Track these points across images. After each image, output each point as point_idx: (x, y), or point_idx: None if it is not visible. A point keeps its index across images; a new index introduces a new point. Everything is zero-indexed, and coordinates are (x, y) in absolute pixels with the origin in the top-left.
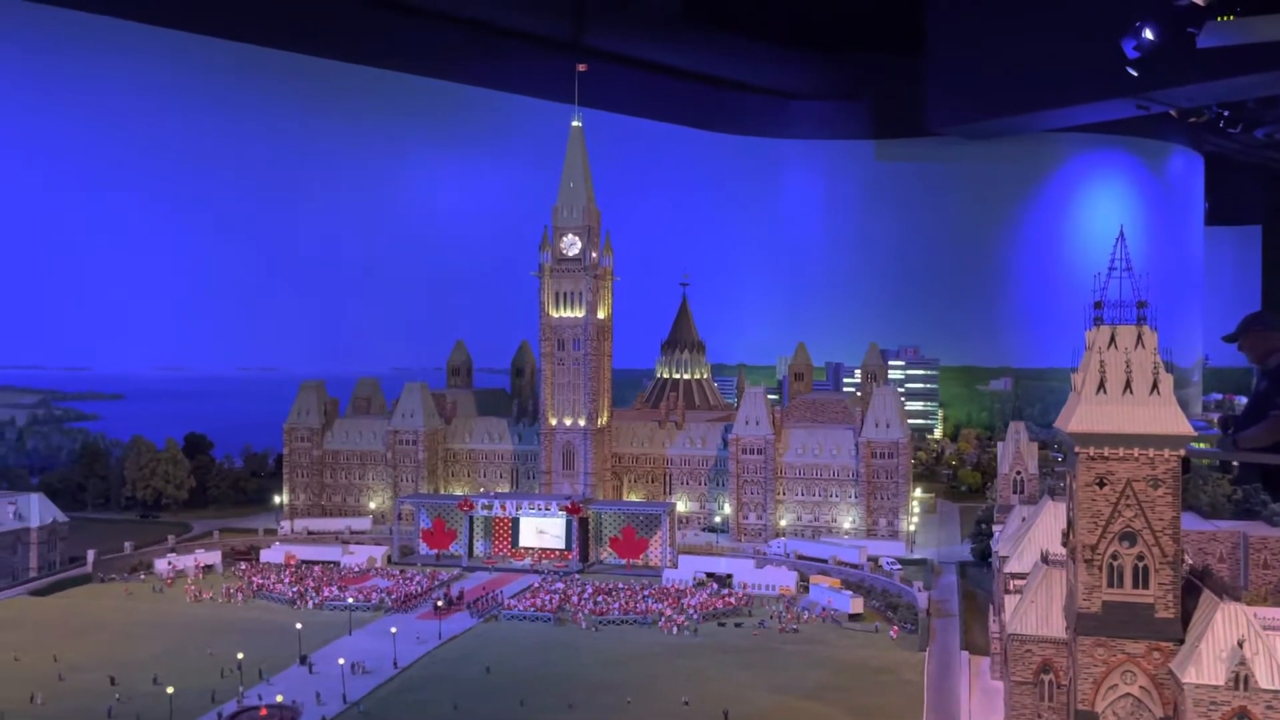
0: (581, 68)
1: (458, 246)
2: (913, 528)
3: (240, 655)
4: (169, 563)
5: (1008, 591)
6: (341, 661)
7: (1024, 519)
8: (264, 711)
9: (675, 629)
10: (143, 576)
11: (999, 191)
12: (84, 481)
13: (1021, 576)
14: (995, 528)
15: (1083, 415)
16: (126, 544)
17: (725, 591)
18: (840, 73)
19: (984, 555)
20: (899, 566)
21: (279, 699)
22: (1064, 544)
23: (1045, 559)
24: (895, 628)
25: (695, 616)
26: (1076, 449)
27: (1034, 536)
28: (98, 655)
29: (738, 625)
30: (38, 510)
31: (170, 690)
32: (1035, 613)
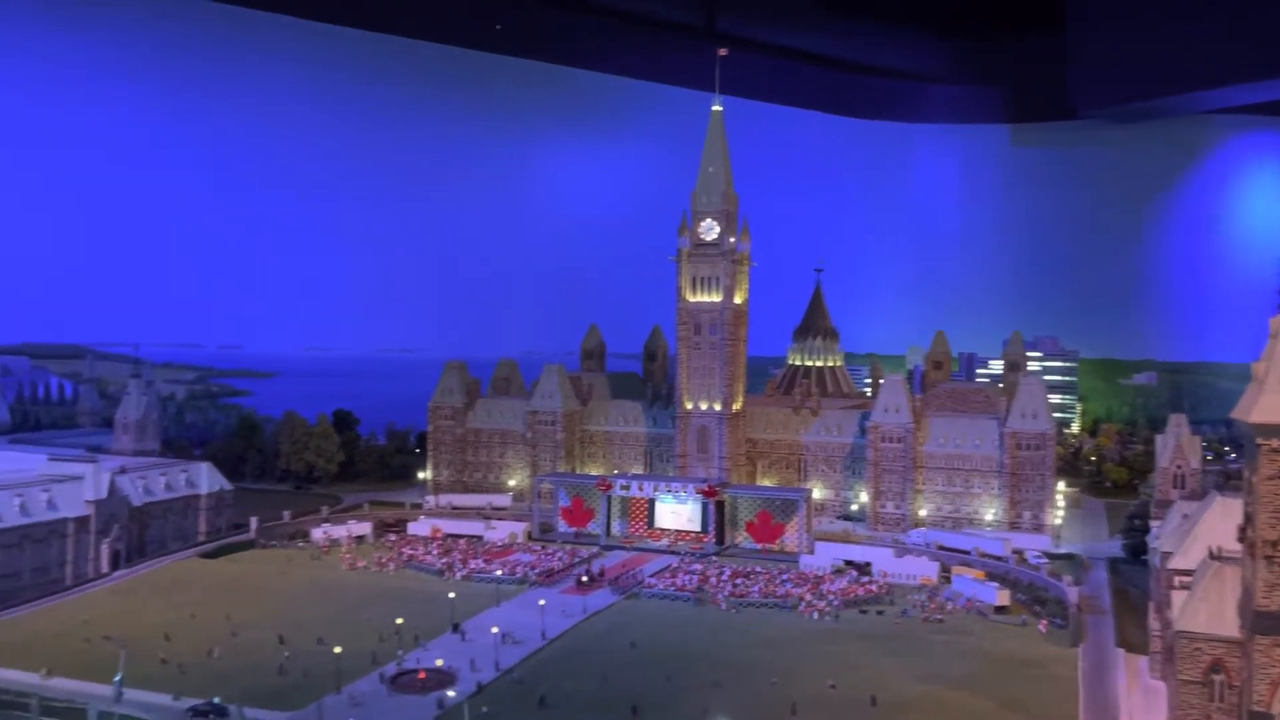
0: (722, 52)
1: (589, 232)
2: (1058, 521)
3: (399, 621)
4: (324, 532)
5: (1172, 588)
6: (495, 630)
7: (1186, 515)
8: (423, 675)
9: (816, 614)
10: (300, 544)
11: (1147, 177)
12: (243, 453)
13: (1187, 573)
14: (1153, 523)
15: (1266, 405)
16: (285, 513)
17: (865, 579)
18: (976, 54)
19: (1137, 551)
20: (1045, 560)
21: (438, 663)
22: (1240, 540)
23: (1215, 555)
24: (1044, 622)
25: (836, 603)
26: (1258, 441)
27: (1200, 532)
28: (265, 615)
29: (879, 613)
30: (206, 479)
31: (338, 650)
32: (1206, 610)
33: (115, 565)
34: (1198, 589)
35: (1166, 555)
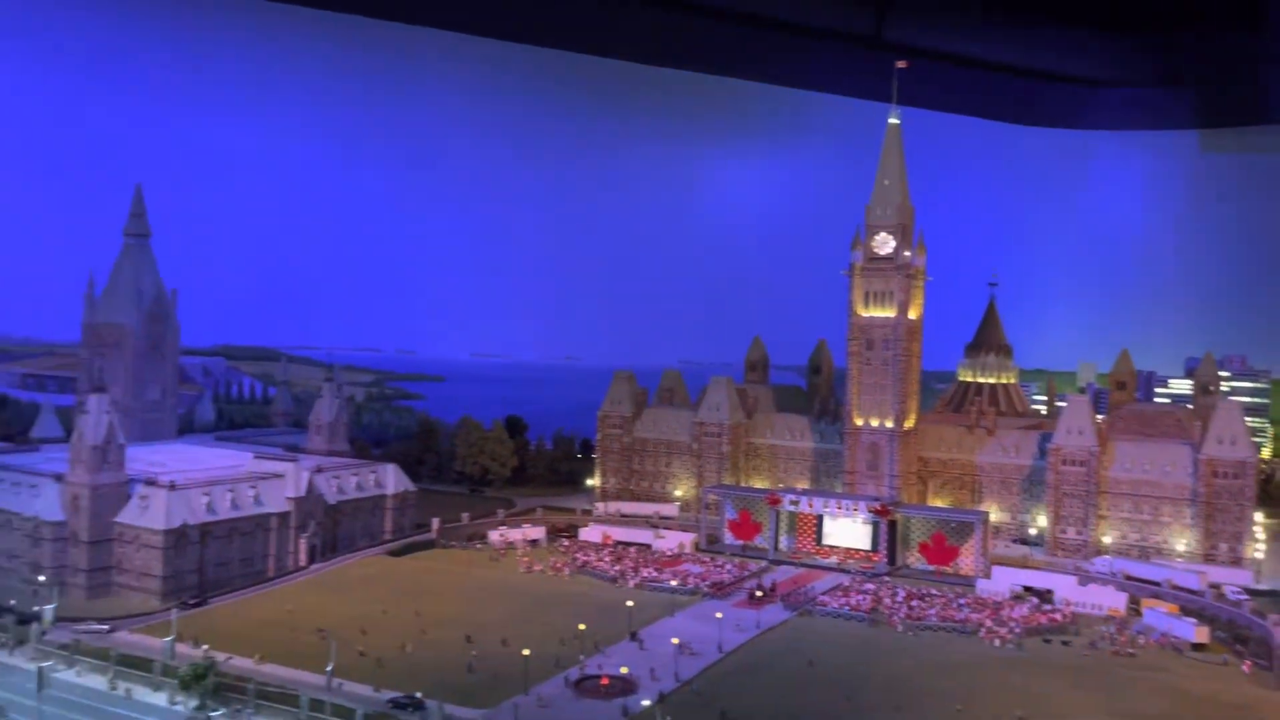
0: (901, 64)
1: (752, 245)
2: (1259, 555)
3: (582, 627)
4: (501, 534)
5: None
6: (675, 641)
7: None
8: (605, 680)
9: (998, 641)
10: (479, 546)
11: None
12: (421, 455)
13: None
14: None
15: None
16: (464, 515)
17: (1047, 607)
18: (1160, 56)
19: None
20: (1246, 597)
21: (623, 671)
22: None
23: None
24: (1248, 662)
25: (1018, 630)
26: None
27: None
28: (451, 614)
29: (1065, 643)
30: (393, 479)
31: (526, 653)
32: None
33: (311, 559)
34: None
35: None
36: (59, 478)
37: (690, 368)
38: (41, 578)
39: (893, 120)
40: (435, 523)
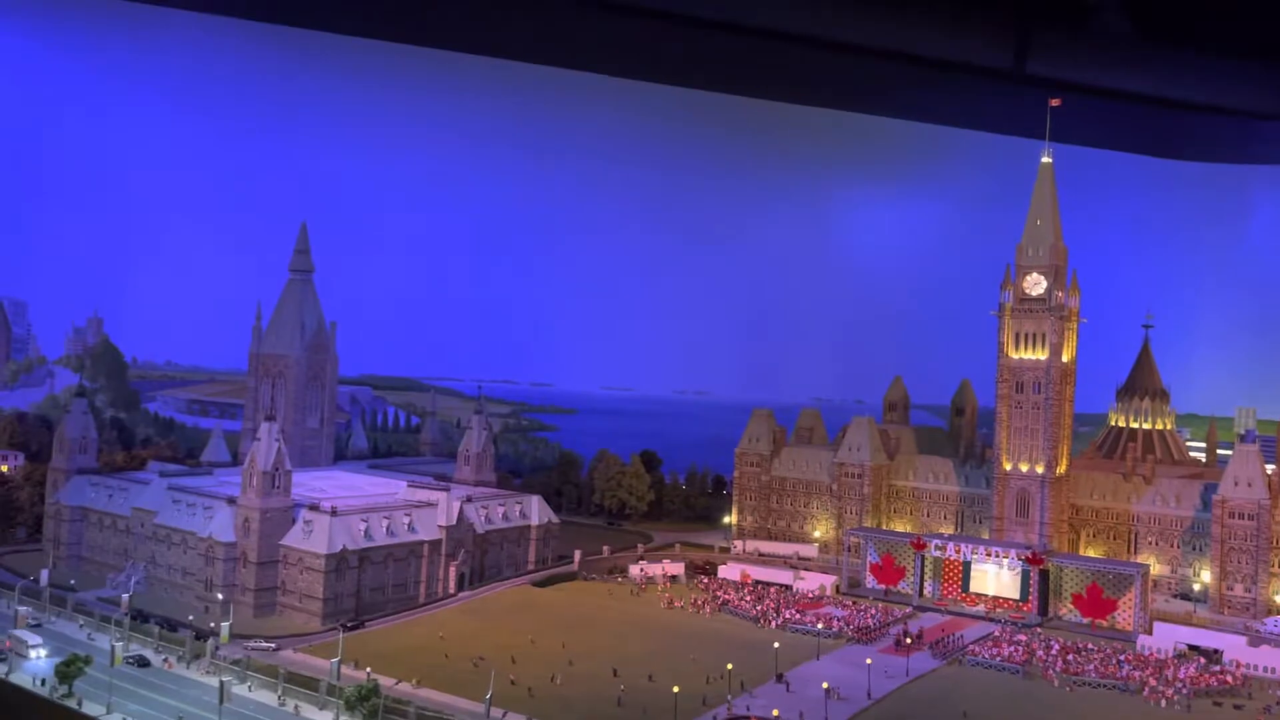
0: (1054, 102)
1: (891, 283)
2: None
3: (729, 666)
4: (641, 569)
5: None
6: (825, 686)
7: None
8: None
9: (1164, 701)
10: (620, 579)
11: None
12: (560, 487)
13: None
14: None
15: None
16: (605, 548)
17: (1215, 668)
18: None
19: None
20: None
21: (775, 714)
22: None
23: None
24: None
25: (1185, 691)
26: None
27: None
28: (597, 646)
29: (1237, 707)
30: (537, 510)
31: (676, 690)
32: None
33: (460, 587)
34: None
35: None
36: (231, 500)
37: (824, 405)
38: (220, 596)
39: (1045, 160)
40: (577, 555)
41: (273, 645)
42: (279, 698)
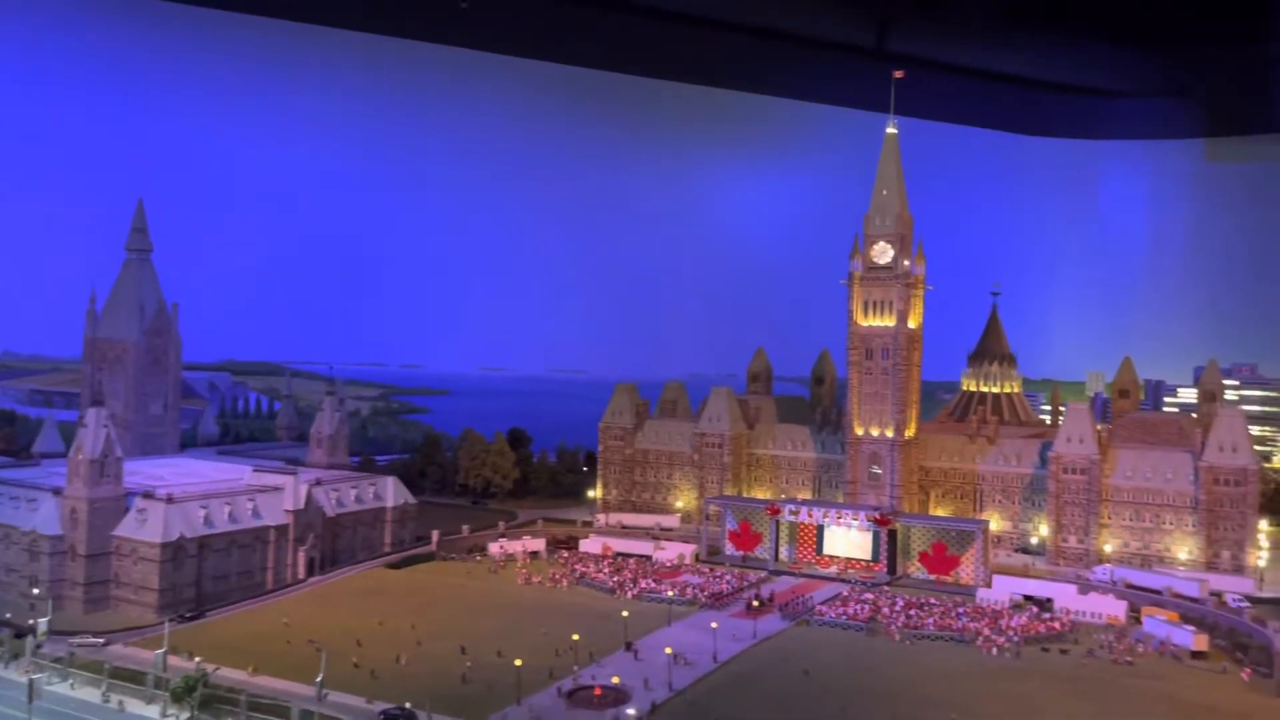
0: (898, 75)
1: (755, 256)
2: (1261, 563)
3: (575, 637)
4: (500, 547)
5: None
6: (668, 651)
7: None
8: (598, 691)
9: (995, 650)
10: (478, 558)
11: None
12: (424, 468)
13: None
14: None
15: None
16: (464, 527)
17: (1047, 616)
18: (1168, 66)
19: None
20: (1247, 604)
21: (615, 680)
22: None
23: None
24: (1247, 670)
25: (1016, 639)
26: None
27: None
28: (447, 625)
29: (1064, 652)
30: (392, 492)
31: (518, 663)
32: None
33: (310, 572)
34: None
35: None
36: (57, 492)
37: (697, 380)
38: (36, 590)
39: (890, 130)
40: (435, 535)
41: (101, 640)
42: (103, 694)
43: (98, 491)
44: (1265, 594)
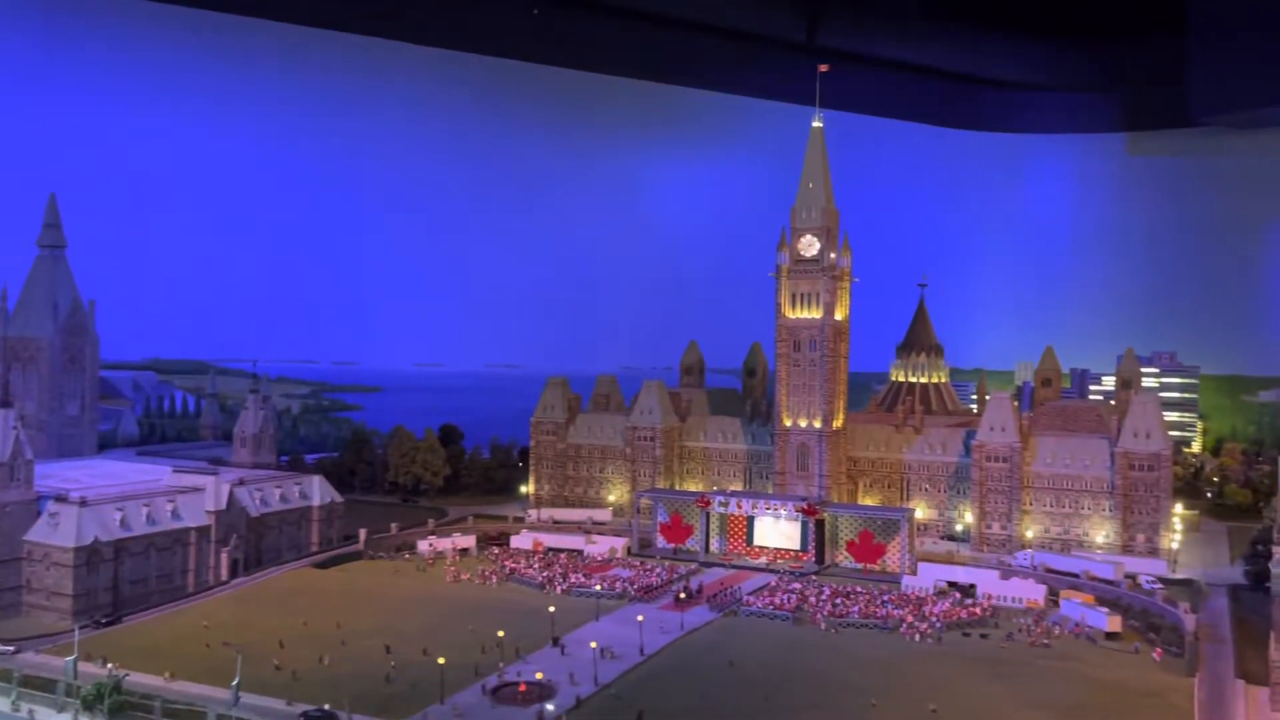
0: (823, 68)
1: (690, 249)
2: (1175, 545)
3: (501, 634)
4: (430, 544)
5: None
6: (594, 645)
7: None
8: (523, 687)
9: (918, 636)
10: (407, 556)
11: (1270, 185)
12: (353, 466)
13: None
14: (1275, 549)
15: None
16: (393, 525)
17: (969, 601)
18: (1090, 61)
19: (1260, 578)
20: (1160, 586)
21: (538, 676)
22: None
23: None
24: (1158, 650)
25: (938, 625)
26: None
27: None
28: (373, 625)
29: (983, 636)
30: (319, 490)
31: (442, 661)
32: None
33: (234, 573)
34: None
35: None
36: None
37: (632, 373)
38: None
39: (816, 124)
40: (362, 533)
41: (11, 648)
42: (13, 703)
43: (7, 495)
44: (1178, 575)
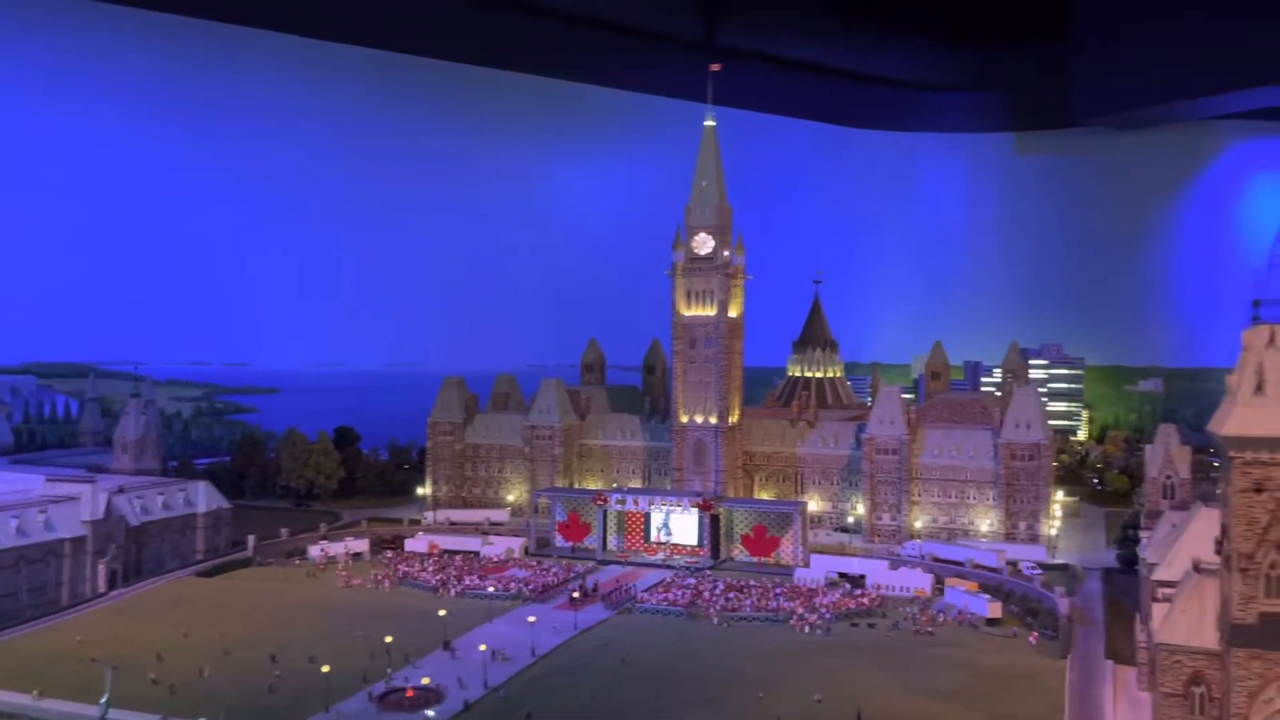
0: (715, 67)
1: (591, 246)
2: (1054, 532)
3: (389, 639)
4: (321, 549)
5: (1156, 600)
6: (483, 648)
7: (1174, 525)
8: (410, 693)
9: (807, 628)
10: (298, 562)
11: (1151, 183)
12: (244, 471)
13: (1171, 584)
14: (1143, 534)
15: (1239, 418)
16: (283, 531)
17: (858, 592)
18: (980, 63)
19: (1130, 562)
20: (1039, 571)
21: (425, 681)
22: (1218, 552)
23: (1197, 567)
24: (1035, 634)
25: (828, 616)
26: (1231, 453)
27: (1185, 543)
28: (258, 634)
29: (871, 626)
30: (204, 497)
31: (326, 669)
32: (1186, 622)
33: (112, 585)
34: (1179, 601)
35: (1152, 566)
36: None
37: (535, 371)
38: None
39: (708, 123)
40: (251, 540)
41: None
42: None
43: None
44: (1057, 560)
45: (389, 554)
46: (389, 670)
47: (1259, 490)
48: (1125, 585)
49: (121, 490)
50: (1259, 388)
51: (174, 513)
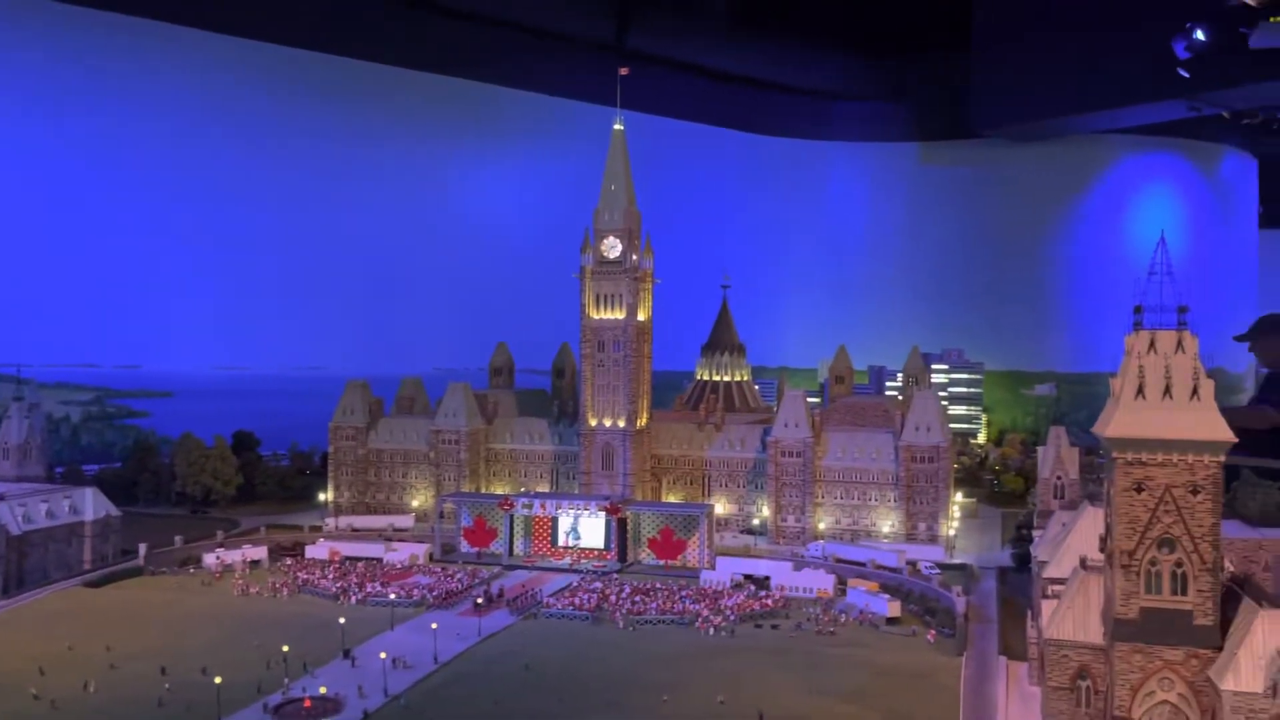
0: (623, 71)
1: (500, 248)
2: (953, 532)
3: (285, 648)
4: (217, 557)
5: (1045, 597)
6: (383, 656)
7: (1064, 524)
8: (308, 703)
9: (712, 630)
10: (192, 570)
11: (1046, 194)
12: (136, 477)
13: (1060, 582)
14: (1035, 533)
15: (1120, 420)
16: (177, 538)
17: (763, 593)
18: (884, 74)
19: (1024, 561)
20: (937, 571)
21: (322, 690)
22: (1102, 550)
23: (1083, 564)
24: (932, 632)
25: (732, 618)
26: (1114, 454)
27: (1073, 542)
28: (148, 646)
29: (774, 627)
30: (91, 504)
31: (218, 680)
32: (1072, 618)
33: None
34: (1065, 598)
35: (1042, 564)
36: None
37: (442, 374)
38: None
39: (617, 126)
40: (142, 548)
41: None
42: None
43: None
44: (955, 560)
45: (288, 561)
46: (286, 680)
47: (1140, 490)
48: (1019, 584)
49: (2, 498)
50: (1140, 391)
51: (59, 521)
